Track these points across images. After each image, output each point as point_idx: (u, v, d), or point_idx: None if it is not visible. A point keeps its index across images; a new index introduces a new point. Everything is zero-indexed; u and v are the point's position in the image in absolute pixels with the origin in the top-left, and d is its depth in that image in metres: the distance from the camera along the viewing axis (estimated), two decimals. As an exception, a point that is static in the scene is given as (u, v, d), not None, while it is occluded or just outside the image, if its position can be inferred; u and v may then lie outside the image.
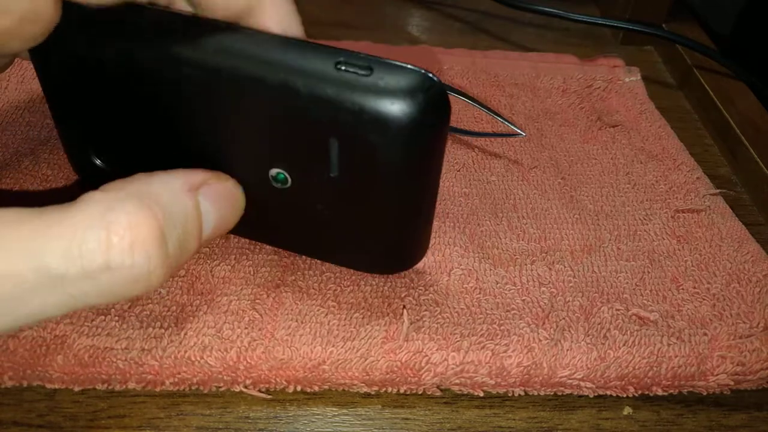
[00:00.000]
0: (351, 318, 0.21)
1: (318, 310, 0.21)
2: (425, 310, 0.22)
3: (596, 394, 0.21)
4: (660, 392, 0.22)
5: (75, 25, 0.17)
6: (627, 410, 0.21)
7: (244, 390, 0.20)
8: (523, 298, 0.23)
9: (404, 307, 0.22)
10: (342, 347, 0.20)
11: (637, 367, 0.21)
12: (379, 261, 0.21)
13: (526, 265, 0.24)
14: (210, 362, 0.20)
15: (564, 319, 0.22)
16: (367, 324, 0.21)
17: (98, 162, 0.22)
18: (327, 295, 0.22)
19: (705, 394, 0.22)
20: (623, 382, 0.21)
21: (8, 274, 0.13)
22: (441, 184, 0.27)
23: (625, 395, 0.21)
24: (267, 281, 0.22)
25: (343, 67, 0.16)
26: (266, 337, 0.20)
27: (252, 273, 0.22)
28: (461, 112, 0.31)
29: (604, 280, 0.24)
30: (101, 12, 0.17)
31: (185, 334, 0.20)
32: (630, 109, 0.33)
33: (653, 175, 0.29)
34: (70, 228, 0.14)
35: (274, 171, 0.19)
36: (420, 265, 0.23)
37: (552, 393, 0.21)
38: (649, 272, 0.24)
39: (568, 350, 0.21)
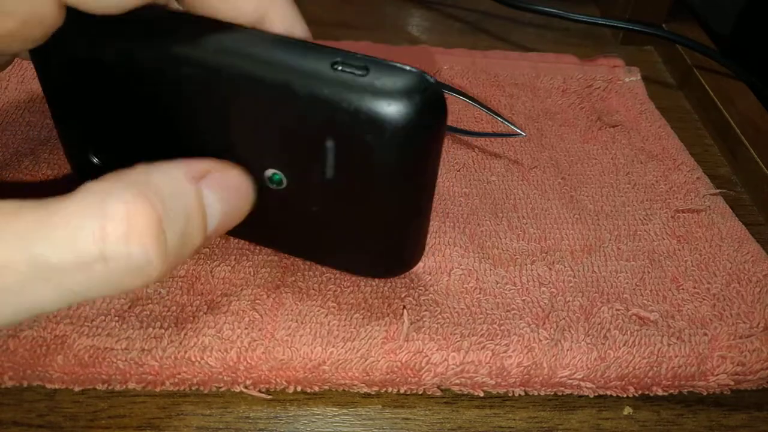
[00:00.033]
0: (351, 318, 0.21)
1: (318, 311, 0.21)
2: (425, 311, 0.22)
3: (596, 394, 0.21)
4: (660, 392, 0.22)
5: (75, 25, 0.17)
6: (627, 410, 0.21)
7: (245, 390, 0.20)
8: (523, 298, 0.23)
9: (404, 307, 0.22)
10: (342, 348, 0.20)
11: (637, 367, 0.21)
12: (375, 264, 0.21)
13: (526, 265, 0.24)
14: (210, 363, 0.20)
15: (564, 319, 0.22)
16: (368, 324, 0.21)
17: (96, 161, 0.22)
18: (327, 295, 0.22)
19: (705, 394, 0.22)
20: (623, 382, 0.21)
21: (1, 265, 0.13)
22: (441, 184, 0.27)
23: (625, 395, 0.21)
24: (267, 282, 0.22)
25: (339, 68, 0.16)
26: (266, 338, 0.20)
27: (252, 274, 0.22)
28: (461, 112, 0.31)
29: (604, 280, 0.24)
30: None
31: (185, 334, 0.20)
32: (630, 109, 0.33)
33: (653, 175, 0.29)
34: (65, 218, 0.13)
35: (269, 172, 0.19)
36: (420, 265, 0.23)
37: (552, 393, 0.21)
38: (649, 272, 0.24)
39: (568, 350, 0.21)
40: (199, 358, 0.20)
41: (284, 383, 0.20)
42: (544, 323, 0.22)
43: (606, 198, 0.27)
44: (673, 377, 0.21)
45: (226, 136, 0.18)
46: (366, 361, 0.20)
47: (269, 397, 0.21)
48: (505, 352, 0.21)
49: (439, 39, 0.40)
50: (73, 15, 0.17)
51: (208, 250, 0.23)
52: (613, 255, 0.25)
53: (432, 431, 0.20)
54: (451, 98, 0.30)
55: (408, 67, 0.17)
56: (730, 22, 0.46)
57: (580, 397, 0.22)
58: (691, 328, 0.22)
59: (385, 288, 0.22)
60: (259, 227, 0.21)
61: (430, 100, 0.16)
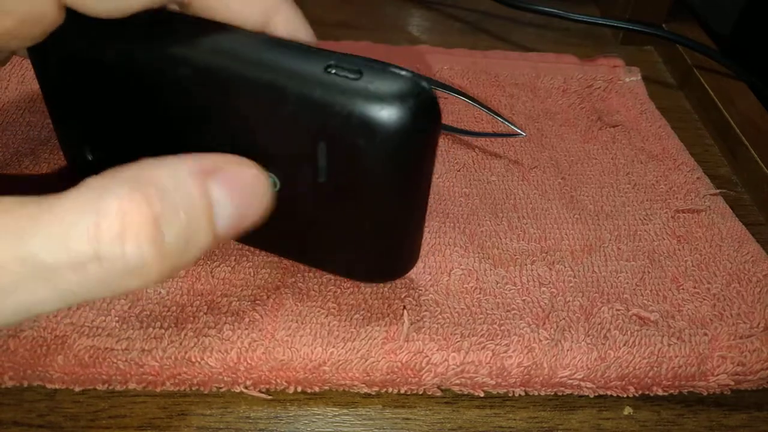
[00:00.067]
0: (351, 319, 0.21)
1: (318, 312, 0.21)
2: (425, 311, 0.22)
3: (596, 394, 0.21)
4: (660, 392, 0.22)
5: (74, 24, 0.17)
6: (627, 410, 0.21)
7: (245, 391, 0.20)
8: (524, 298, 0.23)
9: (404, 307, 0.22)
10: (342, 348, 0.20)
11: (637, 368, 0.21)
12: (369, 269, 0.21)
13: (526, 265, 0.24)
14: (210, 363, 0.20)
15: (564, 319, 0.22)
16: (368, 325, 0.21)
17: (92, 159, 0.22)
18: (327, 296, 0.22)
19: (705, 394, 0.22)
20: (623, 382, 0.21)
21: None
22: (441, 184, 0.27)
23: (625, 395, 0.21)
24: (267, 283, 0.22)
25: (333, 71, 0.16)
26: (266, 338, 0.20)
27: (252, 274, 0.22)
28: (461, 112, 0.31)
29: (604, 280, 0.24)
30: None
31: (185, 334, 0.20)
32: (630, 109, 0.33)
33: (653, 175, 0.29)
34: (59, 215, 0.13)
35: None
36: (420, 265, 0.23)
37: (552, 393, 0.21)
38: (649, 272, 0.24)
39: (568, 350, 0.21)
40: (199, 359, 0.20)
41: (284, 384, 0.20)
42: (544, 323, 0.22)
43: (606, 198, 0.27)
44: (674, 377, 0.21)
45: (221, 136, 0.18)
46: (366, 361, 0.20)
47: (269, 397, 0.21)
48: (506, 352, 0.21)
49: (440, 39, 0.40)
50: (72, 14, 0.17)
51: (208, 250, 0.23)
52: (613, 255, 0.25)
53: (432, 431, 0.20)
54: (451, 98, 0.30)
55: (403, 72, 0.17)
56: (730, 22, 0.46)
57: (581, 397, 0.22)
58: (691, 328, 0.22)
59: (385, 288, 0.22)
60: (255, 230, 0.21)
61: (423, 105, 0.16)
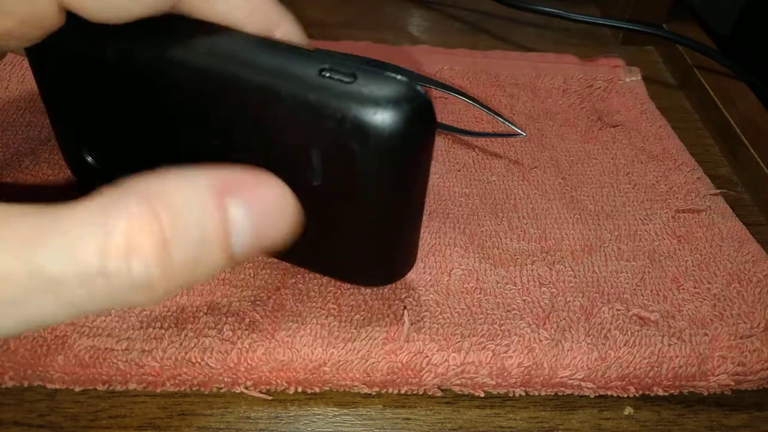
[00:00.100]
0: (351, 320, 0.21)
1: (318, 312, 0.21)
2: (426, 311, 0.22)
3: (597, 395, 0.21)
4: (661, 392, 0.22)
5: (73, 24, 0.17)
6: (628, 410, 0.21)
7: (245, 391, 0.20)
8: (524, 298, 0.23)
9: (405, 308, 0.22)
10: (343, 348, 0.20)
11: (637, 368, 0.21)
12: (365, 273, 0.21)
13: (526, 265, 0.24)
14: (210, 363, 0.20)
15: (565, 319, 0.22)
16: (368, 325, 0.21)
17: (90, 160, 0.21)
18: (327, 297, 0.22)
19: (706, 394, 0.22)
20: (624, 383, 0.21)
21: (2, 276, 0.12)
22: (441, 184, 0.27)
23: (625, 395, 0.21)
24: (267, 283, 0.22)
25: (327, 74, 0.16)
26: (267, 339, 0.20)
27: (252, 275, 0.22)
28: (461, 112, 0.31)
29: (604, 280, 0.24)
30: None
31: (186, 335, 0.20)
32: (630, 109, 0.33)
33: (654, 175, 0.29)
34: (68, 225, 0.12)
35: None
36: (420, 265, 0.23)
37: (553, 393, 0.21)
38: (649, 272, 0.24)
39: (568, 350, 0.21)
40: (199, 359, 0.20)
41: (285, 384, 0.20)
42: (544, 323, 0.22)
43: (606, 198, 0.27)
44: (674, 377, 0.21)
45: (217, 138, 0.18)
46: (366, 362, 0.20)
47: (270, 397, 0.21)
48: (506, 352, 0.21)
49: (440, 39, 0.40)
50: (72, 15, 0.17)
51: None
52: (613, 255, 0.25)
53: (433, 431, 0.20)
54: (451, 98, 0.30)
55: (397, 76, 0.17)
56: (730, 22, 0.46)
57: (581, 397, 0.22)
58: (691, 328, 0.22)
59: (385, 289, 0.22)
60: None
61: (418, 109, 0.16)
